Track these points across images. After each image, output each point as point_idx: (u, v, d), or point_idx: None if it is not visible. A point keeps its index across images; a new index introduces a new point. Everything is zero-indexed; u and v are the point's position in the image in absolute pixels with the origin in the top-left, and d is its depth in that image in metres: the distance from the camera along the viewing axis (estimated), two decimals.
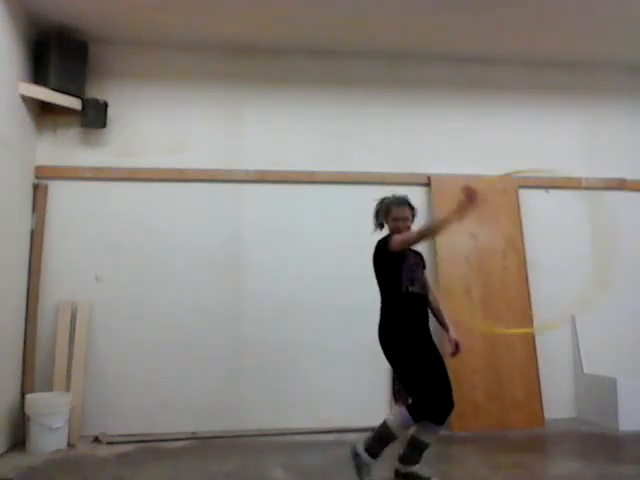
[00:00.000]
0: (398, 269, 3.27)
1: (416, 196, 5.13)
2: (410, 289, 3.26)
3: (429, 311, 3.40)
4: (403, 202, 3.40)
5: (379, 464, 3.32)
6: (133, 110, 4.98)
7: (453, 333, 3.38)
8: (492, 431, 4.64)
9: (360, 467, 3.23)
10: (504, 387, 4.83)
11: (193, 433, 4.55)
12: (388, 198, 3.46)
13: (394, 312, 3.26)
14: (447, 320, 3.44)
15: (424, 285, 3.36)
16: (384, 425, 3.20)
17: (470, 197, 2.91)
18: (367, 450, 3.22)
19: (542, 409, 4.84)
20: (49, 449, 4.09)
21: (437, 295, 3.52)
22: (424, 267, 3.45)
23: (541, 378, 4.91)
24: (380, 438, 3.21)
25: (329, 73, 5.25)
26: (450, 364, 4.76)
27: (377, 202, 3.49)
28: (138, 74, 5.04)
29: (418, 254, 3.45)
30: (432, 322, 3.39)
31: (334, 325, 4.89)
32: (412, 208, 3.43)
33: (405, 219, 3.36)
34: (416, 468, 3.33)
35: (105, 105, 4.79)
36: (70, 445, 4.24)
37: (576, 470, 3.68)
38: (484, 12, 4.58)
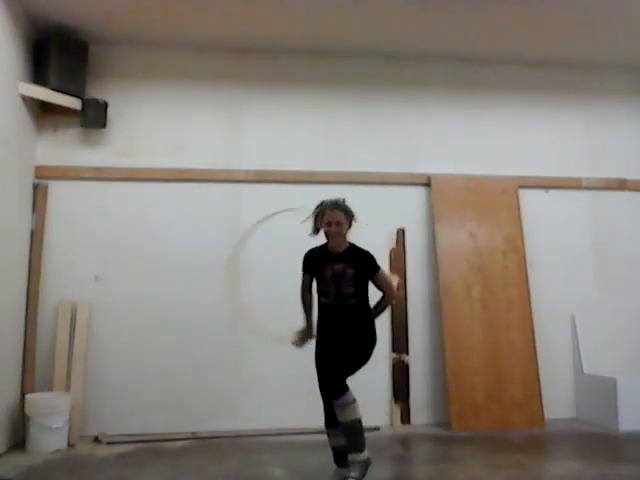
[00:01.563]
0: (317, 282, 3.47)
1: (416, 196, 5.22)
2: (322, 300, 3.42)
3: (346, 315, 3.36)
4: (337, 206, 3.36)
5: (379, 463, 3.34)
6: (133, 110, 4.98)
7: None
8: (492, 431, 4.63)
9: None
10: (504, 387, 4.83)
11: (193, 433, 4.55)
12: (325, 202, 3.42)
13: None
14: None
15: (342, 295, 3.34)
16: None
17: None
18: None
19: (542, 409, 4.84)
20: (49, 449, 4.09)
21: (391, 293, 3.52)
22: (361, 274, 3.36)
23: (541, 378, 4.91)
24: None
25: (329, 73, 5.25)
26: (449, 364, 4.81)
27: (315, 206, 3.45)
28: (138, 74, 5.04)
29: (349, 262, 3.35)
30: None
31: None
32: (348, 214, 3.38)
33: (337, 223, 3.33)
34: (338, 471, 3.37)
35: (105, 105, 4.79)
36: (70, 445, 4.24)
37: (576, 470, 3.69)
38: (484, 12, 4.58)
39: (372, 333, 3.39)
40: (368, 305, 3.43)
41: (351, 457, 3.22)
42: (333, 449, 3.40)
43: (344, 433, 3.24)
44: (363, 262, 3.38)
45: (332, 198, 3.42)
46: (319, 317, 3.46)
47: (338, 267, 3.34)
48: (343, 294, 3.34)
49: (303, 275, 3.53)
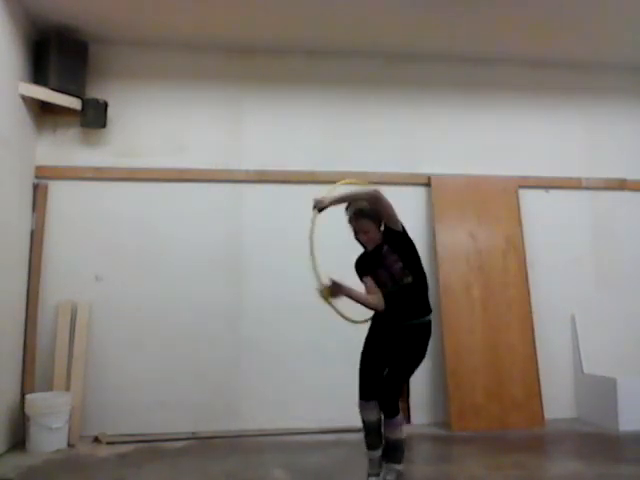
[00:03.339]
0: None
1: (416, 196, 5.22)
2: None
3: (397, 304, 3.26)
4: (361, 214, 3.16)
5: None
6: (133, 110, 4.98)
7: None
8: (492, 431, 4.63)
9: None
10: (504, 387, 4.83)
11: (193, 433, 4.55)
12: (348, 209, 3.22)
13: None
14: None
15: (396, 278, 3.20)
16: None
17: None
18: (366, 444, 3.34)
19: (542, 409, 4.84)
20: (49, 449, 4.09)
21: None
22: (396, 246, 3.20)
23: (541, 378, 4.91)
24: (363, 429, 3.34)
25: (329, 73, 5.24)
26: (449, 364, 4.81)
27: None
28: (138, 74, 5.04)
29: (384, 244, 3.21)
30: None
31: (334, 325, 4.84)
32: (374, 217, 3.16)
33: (365, 232, 3.18)
34: (369, 454, 3.32)
35: (105, 105, 4.78)
36: (70, 445, 4.24)
37: (576, 470, 3.69)
38: (484, 12, 4.58)
39: (427, 314, 3.28)
40: (425, 284, 3.26)
41: (387, 465, 3.25)
42: (364, 423, 3.30)
43: (386, 445, 3.25)
44: (392, 235, 3.21)
45: (356, 202, 3.16)
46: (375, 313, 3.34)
47: (385, 259, 3.17)
48: (397, 277, 3.18)
49: (364, 280, 3.29)
